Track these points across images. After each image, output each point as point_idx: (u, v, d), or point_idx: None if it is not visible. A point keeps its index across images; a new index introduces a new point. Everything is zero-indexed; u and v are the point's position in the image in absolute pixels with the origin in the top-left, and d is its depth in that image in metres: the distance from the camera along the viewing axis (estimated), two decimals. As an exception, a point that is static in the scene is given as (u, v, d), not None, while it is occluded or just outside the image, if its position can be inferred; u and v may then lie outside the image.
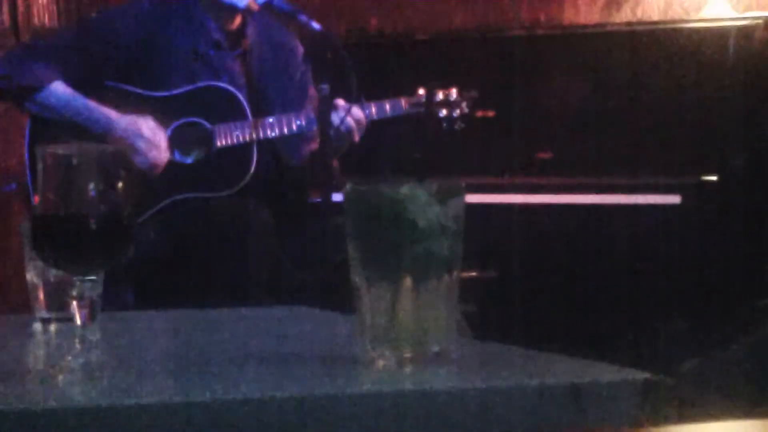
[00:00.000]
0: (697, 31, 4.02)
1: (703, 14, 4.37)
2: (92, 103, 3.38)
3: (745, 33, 3.89)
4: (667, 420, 1.23)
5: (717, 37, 3.92)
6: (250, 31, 3.53)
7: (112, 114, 3.38)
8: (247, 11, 3.45)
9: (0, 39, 4.49)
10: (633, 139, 3.94)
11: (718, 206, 3.74)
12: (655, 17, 4.48)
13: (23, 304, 1.84)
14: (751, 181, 3.80)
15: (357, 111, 3.42)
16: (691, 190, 3.72)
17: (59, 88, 3.38)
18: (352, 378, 1.33)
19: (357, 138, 3.44)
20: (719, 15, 4.29)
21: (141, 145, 3.36)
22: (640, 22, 4.42)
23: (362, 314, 1.36)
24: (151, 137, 3.37)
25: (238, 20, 3.50)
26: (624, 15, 4.54)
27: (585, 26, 4.49)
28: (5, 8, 4.52)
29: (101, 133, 3.33)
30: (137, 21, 3.45)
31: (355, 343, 1.39)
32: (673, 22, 4.30)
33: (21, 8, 4.52)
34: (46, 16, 4.55)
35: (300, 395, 1.21)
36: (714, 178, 3.73)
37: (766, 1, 4.30)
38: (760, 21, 3.91)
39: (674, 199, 3.71)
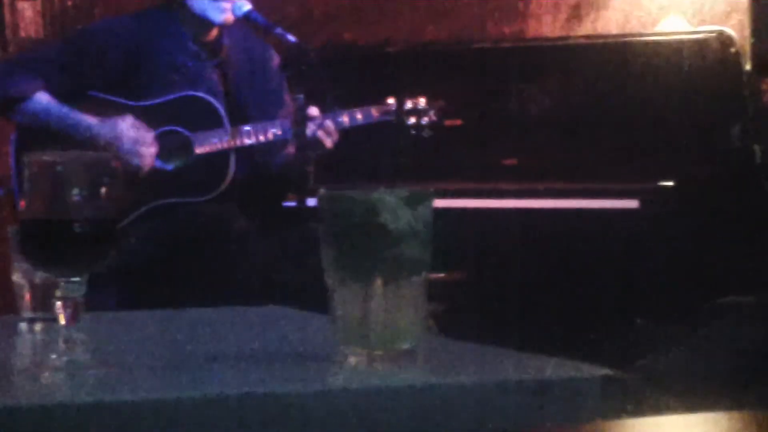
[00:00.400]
0: (654, 43, 4.04)
1: (659, 28, 4.38)
2: (74, 112, 3.41)
3: (699, 46, 3.93)
4: (625, 415, 1.24)
5: (673, 49, 3.96)
6: (228, 41, 3.58)
7: (93, 121, 3.40)
8: (223, 25, 3.52)
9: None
10: (594, 145, 3.95)
11: (674, 210, 3.80)
12: (614, 31, 4.49)
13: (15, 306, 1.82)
14: (706, 186, 3.80)
15: (328, 122, 3.47)
16: (648, 195, 3.74)
17: (42, 98, 3.42)
18: (324, 375, 1.33)
19: (330, 145, 3.50)
20: (675, 29, 4.31)
21: (127, 146, 3.39)
22: (599, 35, 4.42)
23: (335, 314, 1.38)
24: (135, 135, 3.39)
25: (215, 32, 3.55)
26: (584, 28, 4.55)
27: (548, 39, 4.51)
28: (-8, 21, 4.50)
29: (85, 141, 3.36)
30: (120, 34, 3.49)
31: (328, 341, 1.41)
32: (631, 35, 4.31)
33: (8, 21, 4.50)
34: (33, 28, 4.53)
35: (273, 392, 1.22)
36: (671, 183, 3.75)
37: (719, 16, 4.32)
38: (714, 34, 3.95)
39: (633, 203, 3.75)
